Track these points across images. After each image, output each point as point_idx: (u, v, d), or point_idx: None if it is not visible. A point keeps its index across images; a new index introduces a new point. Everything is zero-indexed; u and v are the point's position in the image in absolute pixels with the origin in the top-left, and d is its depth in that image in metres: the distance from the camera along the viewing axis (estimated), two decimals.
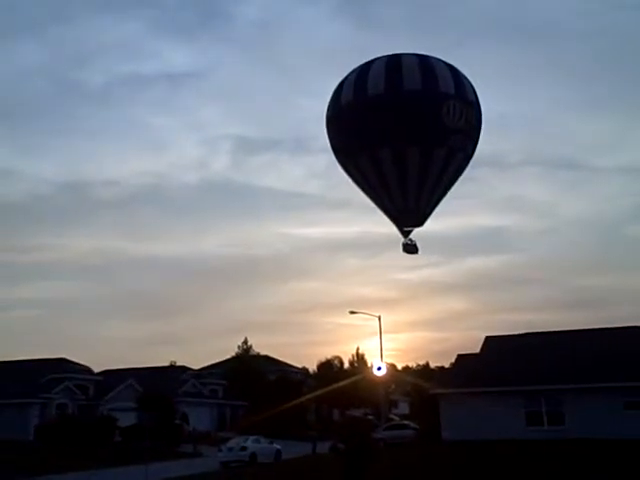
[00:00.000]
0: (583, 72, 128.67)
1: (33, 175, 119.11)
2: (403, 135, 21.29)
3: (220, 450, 36.95)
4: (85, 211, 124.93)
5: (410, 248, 22.71)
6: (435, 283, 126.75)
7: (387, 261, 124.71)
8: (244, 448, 36.28)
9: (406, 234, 22.72)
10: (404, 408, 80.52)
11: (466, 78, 22.67)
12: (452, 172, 22.53)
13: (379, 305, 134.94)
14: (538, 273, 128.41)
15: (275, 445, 38.79)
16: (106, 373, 59.98)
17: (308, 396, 60.74)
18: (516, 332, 44.36)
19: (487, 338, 43.81)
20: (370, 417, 65.82)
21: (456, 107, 21.50)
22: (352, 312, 52.86)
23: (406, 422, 48.46)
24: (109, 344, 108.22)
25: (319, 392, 61.32)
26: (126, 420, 48.56)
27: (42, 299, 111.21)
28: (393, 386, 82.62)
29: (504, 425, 35.18)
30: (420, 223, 22.96)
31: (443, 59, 22.07)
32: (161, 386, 53.16)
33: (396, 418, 64.89)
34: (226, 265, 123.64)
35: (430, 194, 22.58)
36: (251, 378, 64.50)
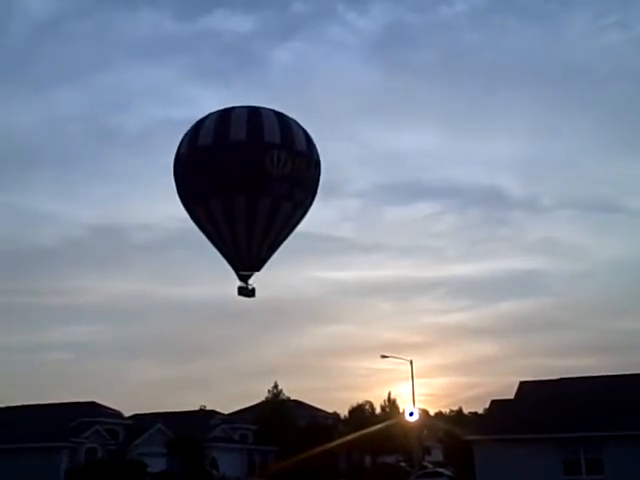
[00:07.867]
0: (618, 113, 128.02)
1: (68, 219, 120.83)
2: (229, 184, 22.09)
3: None
4: (118, 255, 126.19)
5: (245, 292, 23.30)
6: (468, 327, 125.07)
7: (419, 305, 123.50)
8: None
9: (244, 278, 23.32)
10: (437, 455, 78.89)
11: (301, 129, 23.20)
12: (282, 219, 23.33)
13: (411, 349, 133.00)
14: (573, 317, 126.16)
15: None
16: (136, 417, 59.61)
17: (339, 442, 59.83)
18: (551, 377, 43.49)
19: (521, 383, 42.85)
20: (403, 464, 64.70)
21: (281, 156, 22.06)
22: (383, 356, 52.69)
23: (440, 469, 47.47)
24: (140, 388, 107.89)
25: (350, 438, 60.40)
26: (155, 465, 48.11)
27: (73, 342, 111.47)
28: (426, 432, 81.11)
29: (541, 473, 34.16)
30: (256, 268, 23.60)
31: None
32: (191, 431, 52.72)
33: (429, 465, 63.58)
34: (257, 309, 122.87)
35: (261, 240, 23.32)
36: (281, 423, 63.80)
